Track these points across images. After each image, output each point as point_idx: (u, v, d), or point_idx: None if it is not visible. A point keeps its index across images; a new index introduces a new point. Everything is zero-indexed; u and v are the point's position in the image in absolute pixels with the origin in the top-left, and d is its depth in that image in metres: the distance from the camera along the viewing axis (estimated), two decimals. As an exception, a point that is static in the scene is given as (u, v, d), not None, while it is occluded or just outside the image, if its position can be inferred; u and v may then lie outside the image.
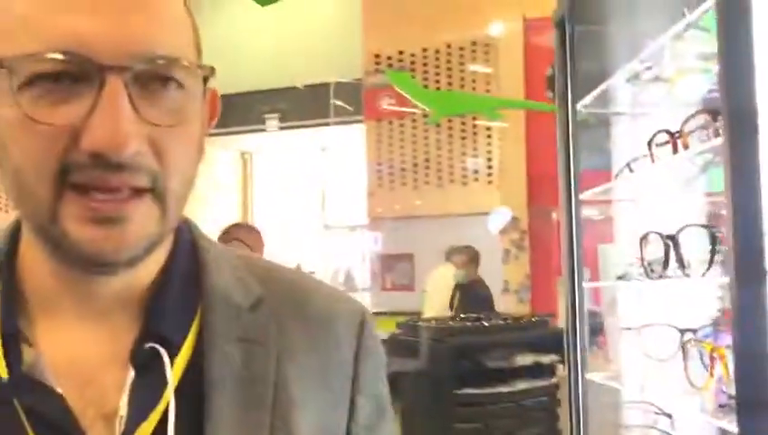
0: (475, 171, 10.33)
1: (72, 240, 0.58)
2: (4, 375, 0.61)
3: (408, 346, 5.36)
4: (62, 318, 0.65)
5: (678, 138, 1.70)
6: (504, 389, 4.95)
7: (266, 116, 11.30)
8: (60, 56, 0.54)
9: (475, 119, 9.84)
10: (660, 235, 1.71)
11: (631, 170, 2.02)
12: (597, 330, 2.53)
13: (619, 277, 2.01)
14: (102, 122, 0.54)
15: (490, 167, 10.10)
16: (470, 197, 10.20)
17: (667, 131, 1.77)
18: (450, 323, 5.57)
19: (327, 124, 11.05)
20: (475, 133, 10.34)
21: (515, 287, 9.30)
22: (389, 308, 9.07)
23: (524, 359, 4.97)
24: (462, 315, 5.94)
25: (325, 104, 10.76)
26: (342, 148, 11.97)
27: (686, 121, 1.67)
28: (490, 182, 10.04)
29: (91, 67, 0.55)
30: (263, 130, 11.37)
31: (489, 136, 10.07)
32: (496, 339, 5.18)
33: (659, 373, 1.98)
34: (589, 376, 2.16)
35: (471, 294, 6.41)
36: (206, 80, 0.64)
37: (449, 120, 10.18)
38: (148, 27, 0.58)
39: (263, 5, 4.69)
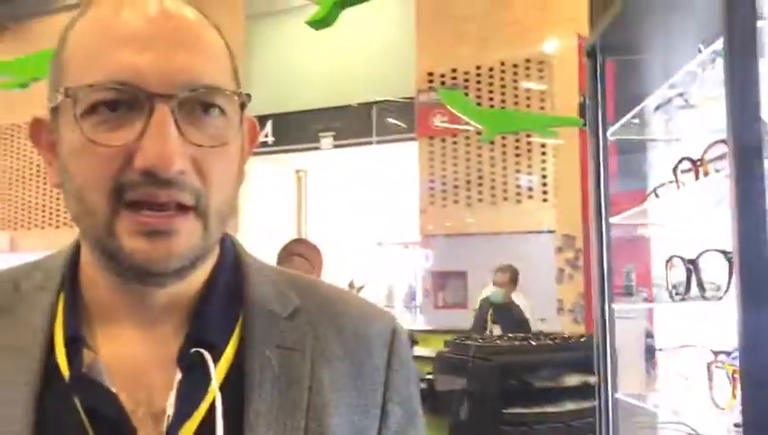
0: (530, 189, 10.25)
1: (126, 252, 0.64)
2: (67, 375, 0.68)
3: (456, 364, 5.38)
4: (117, 325, 0.71)
5: (700, 166, 1.74)
6: (551, 409, 4.91)
7: (321, 134, 11.44)
8: (115, 86, 0.62)
9: (529, 136, 9.75)
10: (682, 259, 1.74)
11: (657, 196, 2.06)
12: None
13: (645, 299, 2.04)
14: (152, 143, 0.62)
15: (545, 184, 10.01)
16: (524, 215, 10.13)
17: (690, 159, 1.80)
18: (497, 341, 5.56)
19: (380, 142, 11.12)
20: (529, 150, 10.27)
21: (569, 307, 9.15)
22: (441, 326, 9.07)
23: (572, 379, 4.93)
24: (510, 335, 5.93)
25: (379, 122, 10.83)
26: (395, 165, 12.03)
27: (706, 150, 1.70)
28: (545, 200, 9.94)
29: (142, 95, 0.63)
30: (317, 149, 11.49)
31: (544, 153, 9.99)
32: (544, 358, 5.14)
33: (694, 394, 1.99)
34: (624, 397, 2.19)
35: (506, 314, 6.38)
36: (242, 106, 0.70)
37: (503, 138, 10.13)
38: (192, 60, 0.65)
39: (316, 30, 4.78)
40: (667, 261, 1.87)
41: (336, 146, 11.38)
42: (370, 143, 11.00)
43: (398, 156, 11.61)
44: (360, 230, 12.46)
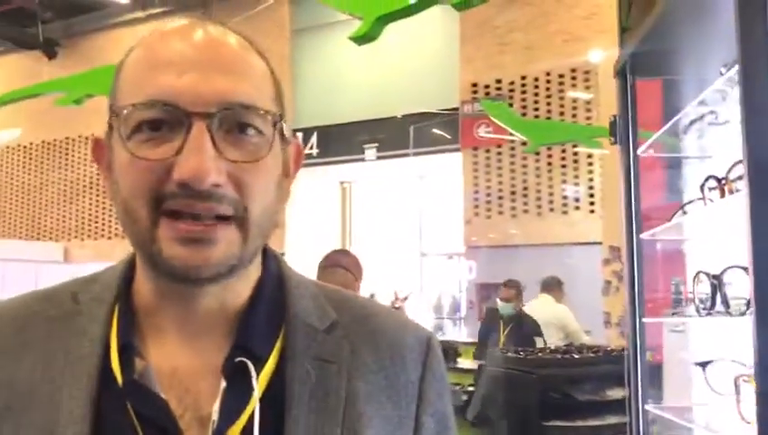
0: (576, 199, 10.15)
1: (165, 257, 0.69)
2: (120, 382, 0.73)
3: (497, 376, 5.37)
4: (166, 335, 0.76)
5: (725, 184, 1.75)
6: (593, 422, 4.85)
7: (365, 146, 11.51)
8: (157, 106, 0.68)
9: (575, 146, 9.64)
10: (708, 274, 1.75)
11: (684, 212, 2.07)
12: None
13: (674, 313, 2.05)
14: (188, 158, 0.67)
15: (591, 195, 9.91)
16: (570, 226, 10.03)
17: (715, 177, 1.82)
18: (539, 354, 5.52)
19: (424, 153, 11.12)
20: (575, 161, 10.18)
21: (616, 320, 9.00)
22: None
23: (615, 392, 4.86)
24: (552, 347, 5.89)
25: (423, 134, 10.84)
26: (439, 176, 12.03)
27: (730, 169, 1.71)
28: (592, 211, 9.83)
29: (181, 114, 0.68)
30: (361, 160, 11.59)
31: (590, 163, 9.89)
32: (586, 371, 5.09)
33: (726, 408, 1.99)
34: (653, 410, 2.20)
35: (517, 327, 6.38)
36: (275, 125, 0.73)
37: (549, 148, 10.04)
38: (229, 82, 0.70)
39: (359, 45, 4.84)
40: (695, 276, 1.88)
41: (380, 157, 11.43)
42: (414, 154, 11.02)
43: (443, 167, 11.61)
44: (405, 241, 12.45)
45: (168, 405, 0.71)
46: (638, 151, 2.21)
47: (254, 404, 0.71)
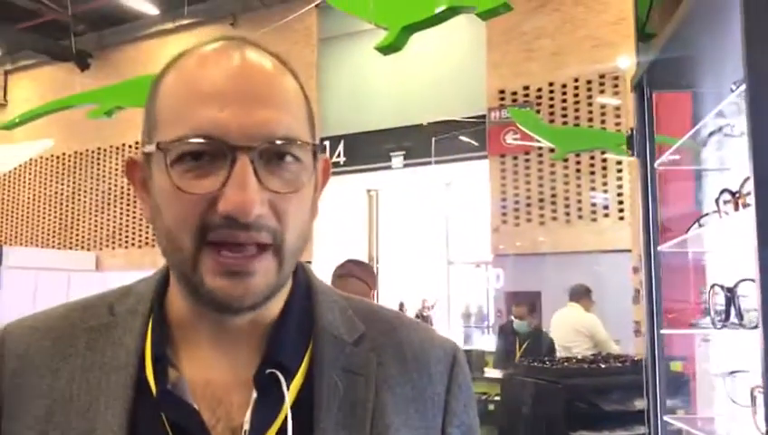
0: (605, 207, 10.05)
1: (208, 288, 0.71)
2: (155, 391, 0.75)
3: (524, 386, 5.34)
4: (199, 347, 0.78)
5: (738, 197, 1.73)
6: (621, 432, 4.81)
7: (392, 154, 11.53)
8: (201, 139, 0.69)
9: (603, 153, 9.56)
10: (722, 287, 1.73)
11: (700, 225, 2.05)
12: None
13: (692, 325, 2.03)
14: (234, 191, 0.68)
15: (620, 202, 9.81)
16: (599, 233, 9.93)
17: (729, 191, 1.80)
18: (565, 363, 5.48)
19: (451, 161, 11.10)
20: (604, 168, 10.09)
21: (646, 329, 8.84)
22: (513, 346, 8.97)
23: (642, 403, 4.80)
24: (579, 356, 5.84)
25: (449, 141, 10.83)
26: (466, 184, 12.00)
27: (743, 183, 1.70)
28: (621, 218, 9.73)
29: (225, 147, 0.69)
30: (388, 168, 11.61)
31: (619, 170, 9.80)
32: (613, 381, 5.03)
33: (746, 419, 1.97)
34: (672, 420, 2.18)
35: (534, 344, 6.38)
36: (315, 154, 0.76)
37: (577, 155, 9.98)
38: (269, 114, 0.71)
39: (385, 55, 4.85)
40: (710, 289, 1.87)
41: (407, 165, 11.44)
42: (441, 162, 11.01)
43: (470, 174, 11.58)
44: (432, 249, 12.43)
45: (201, 415, 0.73)
46: (655, 164, 2.21)
47: (285, 415, 0.73)
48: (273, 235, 0.72)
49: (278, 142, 0.71)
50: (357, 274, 3.15)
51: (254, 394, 0.74)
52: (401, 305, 10.56)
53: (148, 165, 0.76)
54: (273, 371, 0.74)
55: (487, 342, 11.02)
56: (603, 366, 5.26)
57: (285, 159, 0.72)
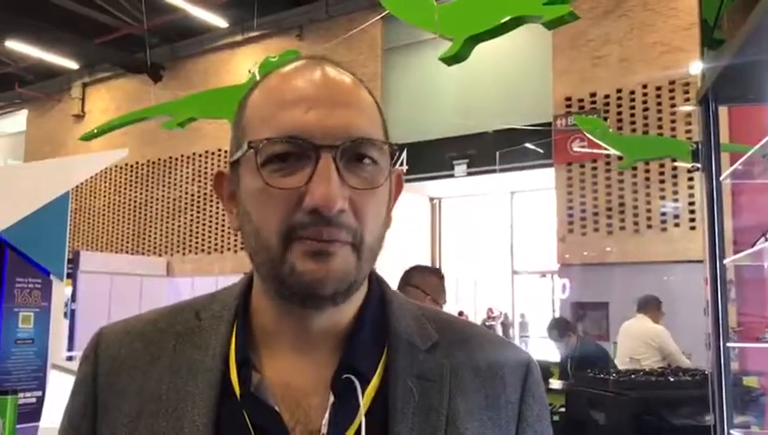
0: (676, 216, 9.80)
1: (298, 272, 0.74)
2: (238, 393, 0.78)
3: (590, 398, 5.25)
4: (280, 351, 0.80)
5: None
6: (688, 446, 4.67)
7: (455, 162, 11.50)
8: (288, 140, 0.74)
9: (674, 160, 9.33)
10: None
11: (766, 239, 1.99)
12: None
13: (758, 339, 1.97)
14: (318, 186, 0.72)
15: (692, 211, 9.56)
16: (669, 243, 9.69)
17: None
18: (632, 376, 5.35)
19: (515, 169, 11.00)
20: (674, 176, 9.85)
21: (719, 341, 8.55)
22: (580, 358, 8.80)
23: (712, 417, 4.66)
24: (647, 368, 5.70)
25: (514, 149, 10.74)
26: (531, 192, 11.87)
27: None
28: (692, 228, 9.48)
29: (310, 147, 0.74)
30: (451, 176, 11.59)
31: (690, 178, 9.56)
32: (682, 394, 4.90)
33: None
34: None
35: (587, 361, 6.21)
36: (392, 155, 0.80)
37: (646, 163, 9.78)
38: (349, 117, 0.76)
39: (449, 65, 4.86)
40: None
41: (470, 173, 11.40)
42: (505, 170, 10.92)
43: (535, 183, 11.45)
44: (496, 258, 12.32)
45: (281, 418, 0.76)
46: (721, 178, 2.15)
47: (360, 419, 0.75)
48: (352, 233, 0.75)
49: (358, 141, 0.75)
50: (413, 282, 3.15)
51: (332, 398, 0.76)
52: (460, 314, 10.51)
53: (236, 174, 0.80)
54: (349, 376, 0.76)
55: (552, 352, 10.85)
56: (672, 379, 5.12)
57: (364, 160, 0.76)
